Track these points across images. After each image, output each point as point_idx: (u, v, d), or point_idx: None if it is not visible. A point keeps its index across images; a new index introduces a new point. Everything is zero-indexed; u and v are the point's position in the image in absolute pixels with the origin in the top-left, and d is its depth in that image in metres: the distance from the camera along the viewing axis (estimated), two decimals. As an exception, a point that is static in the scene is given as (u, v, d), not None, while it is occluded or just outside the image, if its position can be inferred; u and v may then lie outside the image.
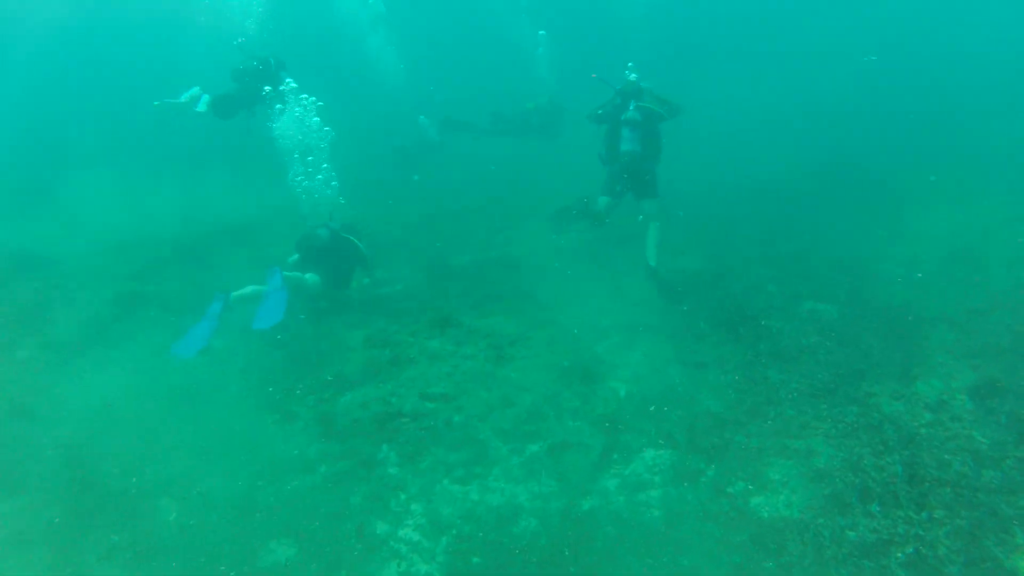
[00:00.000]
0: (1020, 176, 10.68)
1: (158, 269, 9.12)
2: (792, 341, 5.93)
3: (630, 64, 8.35)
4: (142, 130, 16.66)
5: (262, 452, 4.75)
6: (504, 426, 4.84)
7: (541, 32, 13.28)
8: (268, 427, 5.09)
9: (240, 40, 9.82)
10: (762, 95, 17.96)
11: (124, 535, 4.08)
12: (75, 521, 4.20)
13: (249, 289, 6.76)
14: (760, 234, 9.59)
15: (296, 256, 7.40)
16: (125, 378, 5.84)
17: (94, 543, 4.03)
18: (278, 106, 8.53)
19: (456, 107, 14.77)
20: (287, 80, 8.67)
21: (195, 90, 9.32)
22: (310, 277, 7.04)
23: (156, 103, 9.24)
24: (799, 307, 6.87)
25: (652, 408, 4.94)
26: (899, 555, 3.58)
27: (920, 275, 7.56)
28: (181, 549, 3.97)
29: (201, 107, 9.28)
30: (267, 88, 8.86)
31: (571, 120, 7.83)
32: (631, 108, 7.25)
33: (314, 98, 8.24)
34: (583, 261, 9.08)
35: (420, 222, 11.77)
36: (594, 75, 7.52)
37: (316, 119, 8.18)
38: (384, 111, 16.45)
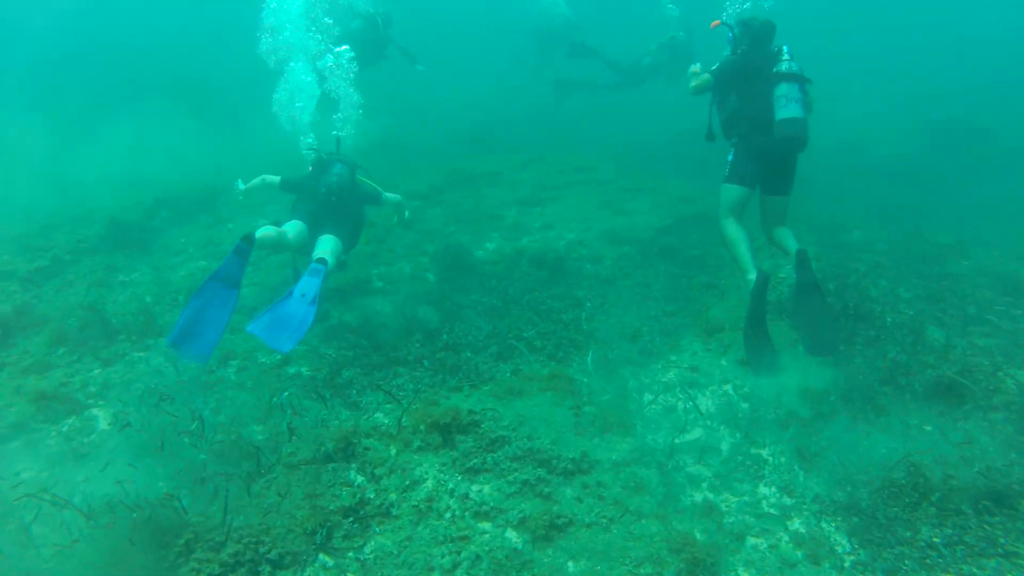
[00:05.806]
0: None
1: (68, 263, 6.58)
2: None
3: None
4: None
5: None
6: None
7: None
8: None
9: None
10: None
11: None
12: None
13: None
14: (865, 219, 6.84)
15: (297, 219, 5.17)
16: None
17: None
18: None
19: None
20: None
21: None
22: (327, 244, 4.98)
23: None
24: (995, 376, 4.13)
25: None
26: None
27: None
28: None
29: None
30: None
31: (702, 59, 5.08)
32: (785, 55, 4.52)
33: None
34: (655, 265, 6.34)
35: (434, 191, 9.04)
36: (715, 23, 4.95)
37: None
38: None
